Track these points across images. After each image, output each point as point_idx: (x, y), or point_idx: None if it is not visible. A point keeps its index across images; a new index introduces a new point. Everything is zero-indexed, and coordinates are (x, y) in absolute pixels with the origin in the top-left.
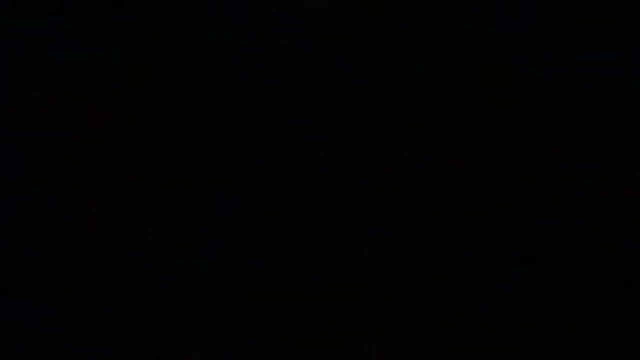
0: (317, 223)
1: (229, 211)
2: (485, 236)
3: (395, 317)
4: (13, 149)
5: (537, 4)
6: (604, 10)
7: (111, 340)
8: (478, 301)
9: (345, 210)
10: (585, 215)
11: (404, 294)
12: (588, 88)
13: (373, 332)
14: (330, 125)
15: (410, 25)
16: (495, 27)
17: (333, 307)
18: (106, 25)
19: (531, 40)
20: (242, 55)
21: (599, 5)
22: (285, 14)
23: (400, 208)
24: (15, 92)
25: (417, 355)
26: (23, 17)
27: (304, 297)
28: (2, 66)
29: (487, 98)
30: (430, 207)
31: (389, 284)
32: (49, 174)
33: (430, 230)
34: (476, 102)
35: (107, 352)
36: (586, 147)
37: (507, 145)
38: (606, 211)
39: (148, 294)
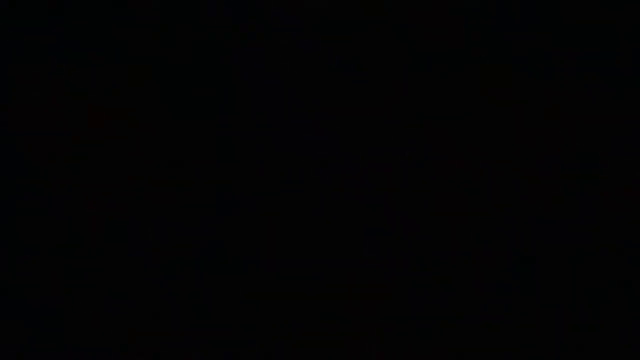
0: (317, 223)
1: (229, 211)
2: (485, 236)
3: (395, 317)
4: (13, 149)
5: (537, 4)
6: (604, 10)
7: (111, 340)
8: (478, 301)
9: (345, 210)
10: (585, 215)
11: (404, 294)
12: (588, 88)
13: (373, 332)
14: (330, 125)
15: (410, 25)
16: (495, 27)
17: (333, 307)
18: (106, 25)
19: (531, 40)
20: (242, 55)
21: (599, 5)
22: (285, 14)
23: (400, 208)
24: (15, 92)
25: (417, 355)
26: (23, 17)
27: (304, 297)
28: (2, 66)
29: (487, 98)
30: (430, 207)
31: (389, 284)
32: (49, 174)
33: (430, 230)
34: (476, 102)
35: (107, 352)
36: (586, 147)
37: (507, 145)
38: (606, 211)
39: (148, 294)
